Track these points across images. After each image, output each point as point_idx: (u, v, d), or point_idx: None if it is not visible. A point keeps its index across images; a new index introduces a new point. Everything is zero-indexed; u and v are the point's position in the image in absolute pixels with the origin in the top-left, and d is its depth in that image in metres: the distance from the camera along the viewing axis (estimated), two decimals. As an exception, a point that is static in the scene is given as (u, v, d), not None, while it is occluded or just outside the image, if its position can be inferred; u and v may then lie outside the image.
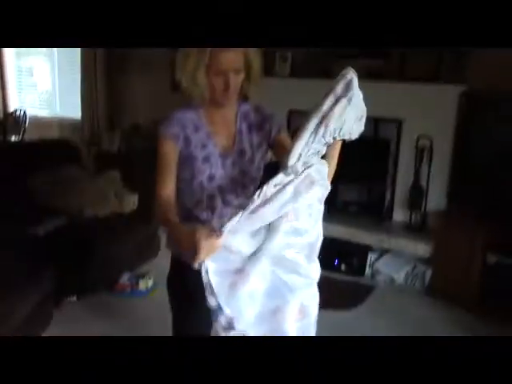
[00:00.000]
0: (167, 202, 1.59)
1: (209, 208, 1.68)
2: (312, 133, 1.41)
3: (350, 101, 1.41)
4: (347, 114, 1.41)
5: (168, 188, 1.61)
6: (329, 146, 1.49)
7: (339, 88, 1.42)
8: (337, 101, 1.40)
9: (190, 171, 1.65)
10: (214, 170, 1.65)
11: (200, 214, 1.69)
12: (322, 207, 1.51)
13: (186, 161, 1.64)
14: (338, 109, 1.41)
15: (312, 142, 1.42)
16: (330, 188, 1.51)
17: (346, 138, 1.47)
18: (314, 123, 1.41)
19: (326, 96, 1.41)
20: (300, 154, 1.42)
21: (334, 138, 1.44)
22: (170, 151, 1.62)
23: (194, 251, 1.33)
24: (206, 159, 1.64)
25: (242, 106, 1.72)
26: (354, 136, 1.48)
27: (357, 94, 1.43)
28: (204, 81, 1.55)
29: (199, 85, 1.56)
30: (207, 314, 1.77)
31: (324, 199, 1.50)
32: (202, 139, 1.65)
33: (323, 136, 1.42)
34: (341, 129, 1.42)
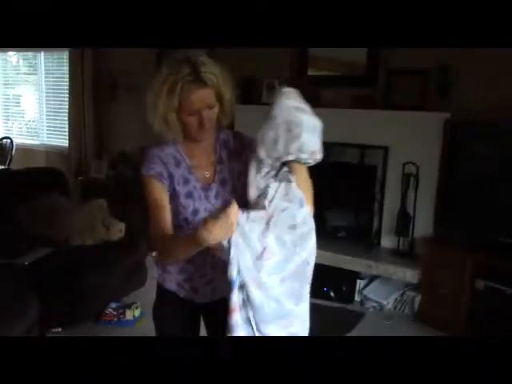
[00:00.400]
0: (168, 232, 1.57)
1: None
2: (254, 166, 1.49)
3: (269, 122, 1.45)
4: (272, 134, 1.44)
5: (166, 223, 1.57)
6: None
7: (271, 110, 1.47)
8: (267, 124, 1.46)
9: (173, 207, 1.61)
10: (198, 204, 1.62)
11: None
12: (304, 230, 1.47)
13: (170, 196, 1.61)
14: (261, 132, 1.46)
15: (259, 174, 1.49)
16: (307, 211, 1.49)
17: (299, 156, 1.48)
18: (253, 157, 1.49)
19: None
20: (256, 187, 1.49)
21: (280, 160, 1.47)
22: (160, 191, 1.59)
23: (228, 229, 1.35)
24: (189, 194, 1.62)
25: (220, 134, 1.69)
26: (306, 154, 1.48)
27: (280, 114, 1.45)
28: (176, 123, 1.54)
29: (171, 127, 1.54)
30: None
31: (303, 222, 1.48)
32: (184, 174, 1.62)
33: (263, 164, 1.48)
34: (275, 151, 1.45)
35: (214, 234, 1.35)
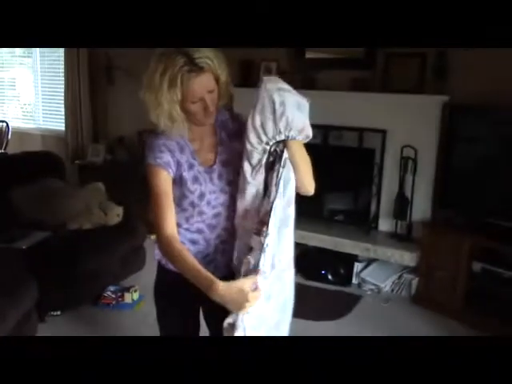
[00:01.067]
0: (174, 239, 1.57)
1: (199, 221, 1.69)
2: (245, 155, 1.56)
3: (255, 107, 1.50)
4: (260, 118, 1.50)
5: (170, 223, 1.59)
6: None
7: (256, 97, 1.52)
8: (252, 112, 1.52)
9: (180, 192, 1.64)
10: (204, 187, 1.64)
11: (190, 226, 1.70)
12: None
13: (176, 183, 1.63)
14: (249, 121, 1.52)
15: (250, 162, 1.56)
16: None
17: (290, 134, 1.52)
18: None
19: None
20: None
21: (270, 143, 1.52)
22: (165, 181, 1.59)
23: (240, 305, 1.40)
24: (195, 179, 1.64)
25: (218, 115, 1.68)
26: (296, 131, 1.52)
27: (264, 96, 1.49)
28: (181, 116, 1.54)
29: (177, 121, 1.55)
30: (194, 321, 1.84)
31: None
32: (188, 159, 1.64)
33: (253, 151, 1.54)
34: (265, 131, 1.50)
35: (222, 298, 1.40)
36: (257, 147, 1.53)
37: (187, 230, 1.70)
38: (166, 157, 1.59)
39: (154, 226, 1.61)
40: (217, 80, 1.54)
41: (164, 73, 1.47)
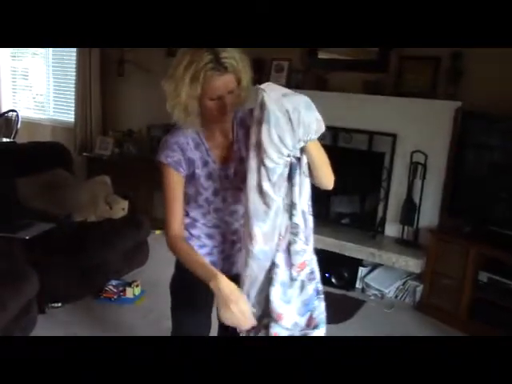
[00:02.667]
0: (178, 239, 1.64)
1: (215, 218, 1.73)
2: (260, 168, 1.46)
3: (268, 122, 1.39)
4: (276, 131, 1.40)
5: (175, 223, 1.65)
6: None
7: (256, 112, 1.43)
8: (259, 128, 1.42)
9: (194, 189, 1.68)
10: (218, 184, 1.67)
11: (207, 222, 1.74)
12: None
13: (189, 180, 1.66)
14: (264, 137, 1.41)
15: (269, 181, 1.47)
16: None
17: (308, 138, 1.45)
18: (254, 162, 1.46)
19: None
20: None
21: (292, 154, 1.46)
22: (175, 180, 1.63)
23: (227, 303, 1.45)
24: (209, 176, 1.67)
25: (238, 113, 1.69)
26: (313, 133, 1.45)
27: (275, 108, 1.40)
28: (196, 110, 1.55)
29: (190, 115, 1.56)
30: (207, 318, 1.86)
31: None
32: (203, 156, 1.65)
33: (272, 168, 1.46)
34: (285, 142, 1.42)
35: (219, 290, 1.47)
36: (278, 162, 1.44)
37: (204, 224, 1.74)
38: (177, 156, 1.61)
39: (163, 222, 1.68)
40: (238, 82, 1.56)
41: (189, 66, 1.47)
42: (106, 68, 5.64)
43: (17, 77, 6.73)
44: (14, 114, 6.02)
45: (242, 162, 1.68)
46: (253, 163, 1.46)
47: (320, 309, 1.67)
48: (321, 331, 1.64)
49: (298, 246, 1.54)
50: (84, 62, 5.55)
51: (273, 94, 1.41)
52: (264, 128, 1.40)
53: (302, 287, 1.60)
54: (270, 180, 1.46)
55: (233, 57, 1.50)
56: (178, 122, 1.59)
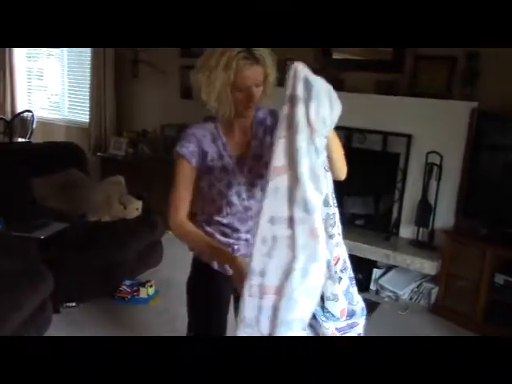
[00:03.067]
0: (184, 224, 1.69)
1: (229, 214, 1.75)
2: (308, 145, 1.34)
3: (317, 98, 1.32)
4: (321, 109, 1.33)
5: (180, 210, 1.69)
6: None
7: (300, 90, 1.32)
8: (307, 106, 1.32)
9: (208, 181, 1.74)
10: (231, 177, 1.72)
11: (221, 219, 1.76)
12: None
13: (203, 172, 1.72)
14: (313, 114, 1.32)
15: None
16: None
17: (336, 121, 1.40)
18: (304, 145, 1.33)
19: (292, 106, 1.33)
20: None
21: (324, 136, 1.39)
22: (186, 169, 1.69)
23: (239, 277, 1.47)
24: (223, 169, 1.72)
25: (258, 112, 1.76)
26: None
27: (320, 85, 1.34)
28: (230, 98, 1.60)
29: (226, 102, 1.61)
30: (223, 316, 1.86)
31: None
32: (219, 150, 1.71)
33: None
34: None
35: (239, 269, 1.52)
36: (323, 143, 1.37)
37: (219, 222, 1.77)
38: (192, 147, 1.68)
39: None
40: (265, 78, 1.62)
41: (222, 55, 1.55)
42: (121, 68, 5.67)
43: (32, 77, 6.80)
44: (30, 114, 6.07)
45: (259, 158, 1.73)
46: (303, 144, 1.33)
47: (357, 296, 1.65)
48: (362, 319, 1.64)
49: (336, 238, 1.53)
50: (98, 63, 5.58)
51: (306, 70, 1.35)
52: (312, 104, 1.33)
53: (340, 278, 1.58)
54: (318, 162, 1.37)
55: (263, 51, 1.58)
56: (212, 110, 1.64)
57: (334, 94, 1.37)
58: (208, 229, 1.78)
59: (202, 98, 1.62)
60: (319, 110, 1.34)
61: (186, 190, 1.70)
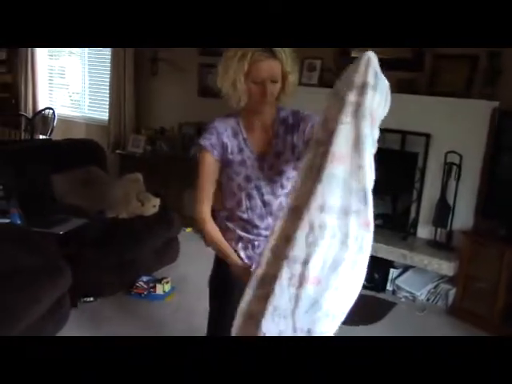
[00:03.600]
0: (204, 222, 1.77)
1: (249, 208, 1.78)
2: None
3: (381, 91, 1.35)
4: (381, 106, 1.38)
5: (203, 206, 1.76)
6: None
7: (371, 78, 1.32)
8: (373, 96, 1.33)
9: (227, 174, 1.77)
10: (250, 172, 1.75)
11: (241, 214, 1.80)
12: None
13: (223, 165, 1.76)
14: (376, 103, 1.34)
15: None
16: None
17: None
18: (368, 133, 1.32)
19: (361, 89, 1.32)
20: None
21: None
22: (209, 161, 1.74)
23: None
24: (242, 163, 1.75)
25: (280, 112, 1.78)
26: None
27: (383, 82, 1.37)
28: (243, 87, 1.63)
29: (238, 91, 1.64)
30: None
31: None
32: (239, 144, 1.75)
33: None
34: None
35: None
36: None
37: (239, 218, 1.80)
38: (214, 139, 1.72)
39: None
40: (284, 75, 1.64)
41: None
42: (140, 66, 5.72)
43: (54, 75, 6.88)
44: (50, 111, 6.15)
45: (280, 156, 1.76)
46: (368, 132, 1.33)
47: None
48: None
49: None
50: (118, 61, 5.63)
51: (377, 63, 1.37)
52: (377, 96, 1.34)
53: None
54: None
55: (283, 49, 1.61)
56: (226, 97, 1.68)
57: (389, 93, 1.41)
58: (230, 224, 1.83)
59: (218, 85, 1.67)
60: (380, 103, 1.36)
61: (209, 182, 1.75)
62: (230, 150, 1.74)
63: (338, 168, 1.31)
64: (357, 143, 1.31)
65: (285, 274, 1.35)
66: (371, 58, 1.34)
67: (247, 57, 1.58)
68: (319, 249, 1.33)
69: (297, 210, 1.39)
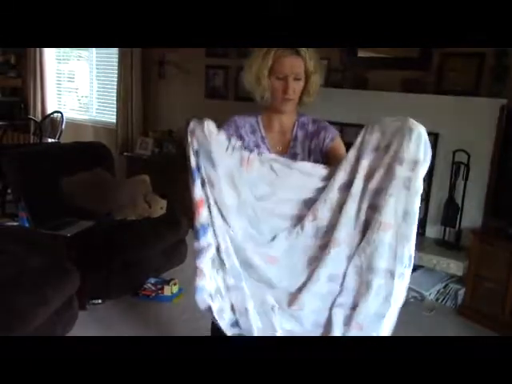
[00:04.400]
0: None
1: None
2: None
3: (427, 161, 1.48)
4: None
5: None
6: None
7: (422, 154, 1.43)
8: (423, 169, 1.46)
9: None
10: None
11: None
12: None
13: None
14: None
15: None
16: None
17: None
18: None
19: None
20: None
21: None
22: None
23: None
24: None
25: (300, 117, 1.83)
26: None
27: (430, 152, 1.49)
28: (266, 82, 1.68)
29: (262, 86, 1.69)
30: None
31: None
32: (256, 141, 1.78)
33: None
34: None
35: None
36: None
37: None
38: (231, 130, 1.75)
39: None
40: (307, 74, 1.69)
41: None
42: (147, 69, 5.74)
43: (62, 79, 6.93)
44: (59, 115, 6.19)
45: (294, 156, 1.78)
46: (417, 207, 1.49)
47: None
48: None
49: None
50: (126, 64, 5.65)
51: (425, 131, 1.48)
52: (425, 164, 1.46)
53: None
54: None
55: (307, 48, 1.66)
56: (251, 92, 1.73)
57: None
58: None
59: (244, 81, 1.73)
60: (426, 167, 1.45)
61: None
62: (246, 145, 1.73)
63: (384, 234, 1.44)
64: (406, 216, 1.44)
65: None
66: (421, 132, 1.43)
67: (271, 53, 1.64)
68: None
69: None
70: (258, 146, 1.76)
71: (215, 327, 1.92)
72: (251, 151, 1.60)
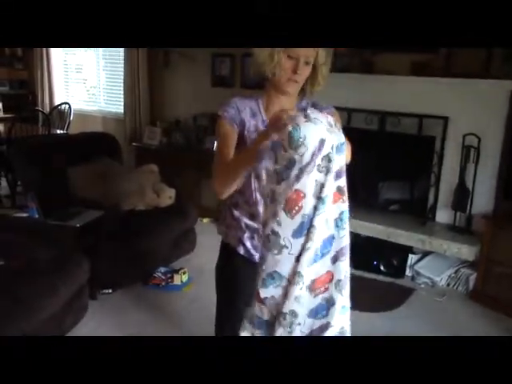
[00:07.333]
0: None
1: (257, 190, 1.74)
2: None
3: None
4: None
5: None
6: None
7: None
8: None
9: (239, 153, 1.73)
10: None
11: (249, 198, 1.76)
12: None
13: (239, 141, 1.72)
14: None
15: None
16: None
17: None
18: None
19: None
20: None
21: None
22: (228, 132, 1.70)
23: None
24: None
25: (301, 101, 1.80)
26: None
27: None
28: (279, 59, 1.64)
29: (273, 61, 1.64)
30: (248, 303, 1.82)
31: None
32: (256, 124, 1.73)
33: None
34: None
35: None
36: None
37: (246, 202, 1.77)
38: (233, 112, 1.71)
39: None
40: (316, 65, 1.67)
41: None
42: (154, 59, 5.71)
43: (70, 70, 6.92)
44: (67, 106, 6.19)
45: None
46: None
47: None
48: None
49: None
50: (132, 54, 5.63)
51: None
52: None
53: None
54: None
55: None
56: (262, 66, 1.68)
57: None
58: (236, 212, 1.80)
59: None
60: None
61: (229, 154, 1.66)
62: (246, 129, 1.72)
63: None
64: None
65: None
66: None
67: None
68: None
69: None
70: (257, 129, 1.73)
71: (220, 324, 1.93)
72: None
